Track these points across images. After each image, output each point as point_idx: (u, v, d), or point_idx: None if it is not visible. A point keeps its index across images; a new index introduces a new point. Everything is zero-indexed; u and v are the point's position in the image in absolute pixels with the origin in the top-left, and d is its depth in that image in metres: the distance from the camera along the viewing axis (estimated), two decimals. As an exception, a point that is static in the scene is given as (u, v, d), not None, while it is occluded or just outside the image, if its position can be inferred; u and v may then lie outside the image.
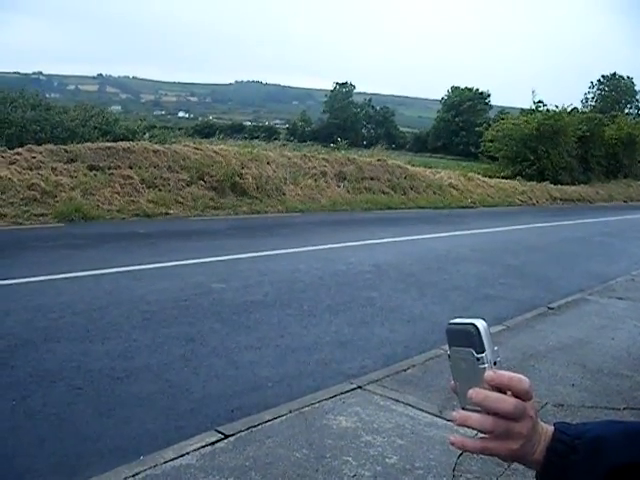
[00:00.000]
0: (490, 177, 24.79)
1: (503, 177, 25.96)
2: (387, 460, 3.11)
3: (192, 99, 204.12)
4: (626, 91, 65.75)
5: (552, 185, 25.65)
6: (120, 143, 13.36)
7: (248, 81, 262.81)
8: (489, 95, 77.05)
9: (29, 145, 12.26)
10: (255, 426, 3.38)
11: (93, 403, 3.72)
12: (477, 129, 41.07)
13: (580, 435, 0.80)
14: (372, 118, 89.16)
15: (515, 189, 23.19)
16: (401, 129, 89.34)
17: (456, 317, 0.82)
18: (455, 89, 78.63)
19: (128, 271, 7.01)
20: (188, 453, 3.05)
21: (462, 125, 71.23)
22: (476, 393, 0.76)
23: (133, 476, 2.81)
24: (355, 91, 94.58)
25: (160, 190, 12.58)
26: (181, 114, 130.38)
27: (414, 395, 3.97)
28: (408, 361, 4.66)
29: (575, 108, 34.38)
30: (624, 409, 3.94)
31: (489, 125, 32.48)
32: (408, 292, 7.10)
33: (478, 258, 9.71)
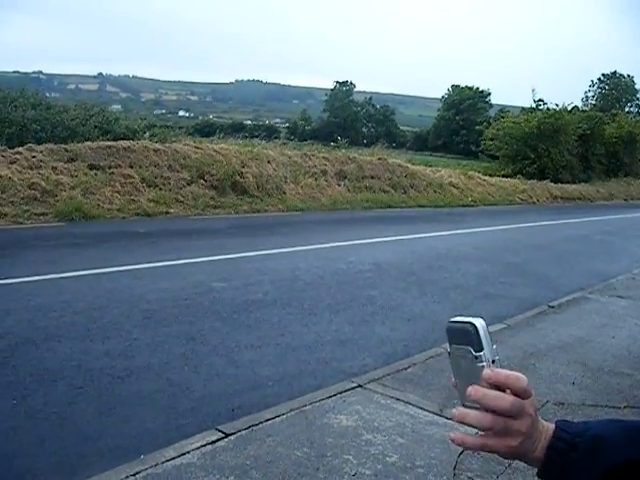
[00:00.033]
0: (490, 176, 24.78)
1: (503, 176, 25.95)
2: (388, 459, 3.12)
3: (192, 98, 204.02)
4: (626, 89, 65.64)
5: (552, 184, 25.63)
6: (120, 142, 13.36)
7: (248, 80, 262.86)
8: (489, 94, 77.07)
9: (29, 144, 12.26)
10: (256, 425, 3.38)
11: (94, 402, 3.72)
12: (477, 128, 41.01)
13: (581, 433, 0.80)
14: (372, 117, 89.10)
15: (515, 188, 23.17)
16: (401, 128, 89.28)
17: (456, 315, 0.83)
18: (455, 88, 78.60)
19: (128, 270, 7.02)
20: (189, 452, 3.05)
21: (462, 124, 71.18)
22: (474, 391, 0.77)
23: (134, 475, 2.81)
24: (355, 90, 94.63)
25: (160, 189, 12.58)
26: (181, 113, 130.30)
27: (415, 394, 3.97)
28: (408, 360, 4.66)
29: (575, 106, 34.36)
30: (624, 407, 3.94)
31: (489, 124, 32.46)
32: (408, 291, 7.10)
33: (479, 256, 9.71)
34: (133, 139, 14.22)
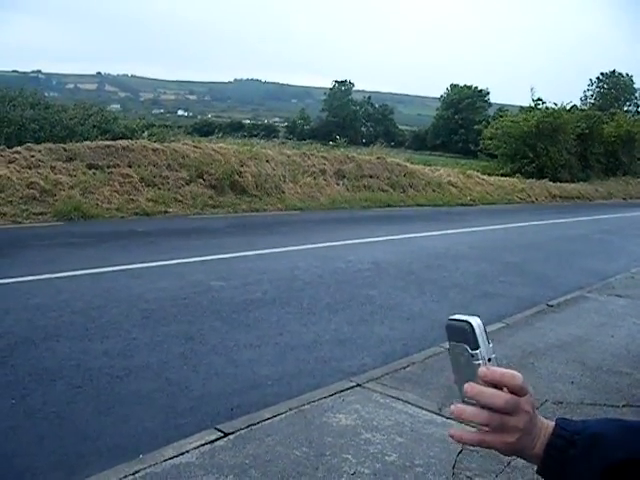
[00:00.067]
0: (489, 175, 24.76)
1: (502, 175, 25.93)
2: (387, 458, 3.12)
3: (191, 97, 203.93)
4: (625, 89, 65.65)
5: (551, 183, 25.62)
6: (119, 142, 13.35)
7: (247, 79, 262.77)
8: (488, 93, 77.09)
9: (28, 144, 12.24)
10: (255, 424, 3.38)
11: (93, 401, 3.72)
12: (476, 127, 41.00)
13: (580, 431, 0.81)
14: (371, 116, 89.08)
15: (514, 187, 23.17)
16: (400, 127, 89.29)
17: (455, 314, 0.84)
18: (454, 87, 78.61)
19: (127, 269, 7.01)
20: (188, 451, 3.05)
21: (461, 123, 71.23)
22: (470, 388, 0.79)
23: (133, 474, 2.81)
24: (354, 89, 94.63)
25: (159, 188, 12.57)
26: (180, 112, 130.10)
27: (413, 393, 3.97)
28: (407, 359, 4.67)
29: (574, 105, 34.31)
30: (623, 406, 3.95)
31: (488, 123, 32.45)
32: (407, 290, 7.10)
33: (477, 256, 9.71)
34: (132, 138, 14.20)
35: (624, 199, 28.73)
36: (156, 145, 13.80)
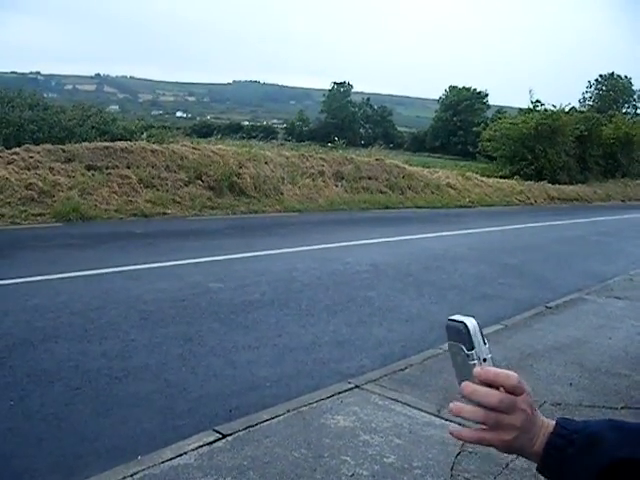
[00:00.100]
0: (488, 177, 24.78)
1: (501, 177, 25.95)
2: (385, 459, 3.12)
3: (190, 99, 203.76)
4: (624, 91, 65.74)
5: (550, 185, 25.64)
6: (118, 143, 13.34)
7: (246, 81, 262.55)
8: (487, 95, 77.12)
9: (27, 145, 12.23)
10: (253, 426, 3.38)
11: (91, 403, 3.72)
12: (475, 129, 41.17)
13: (579, 430, 0.83)
14: (370, 118, 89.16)
15: (513, 189, 23.19)
16: (399, 129, 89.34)
17: (455, 314, 0.86)
18: (453, 89, 78.69)
19: (126, 271, 7.01)
20: (186, 453, 3.05)
21: (460, 125, 71.26)
22: (466, 387, 0.82)
23: (131, 476, 2.81)
24: (353, 90, 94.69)
25: (158, 190, 12.57)
26: (179, 114, 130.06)
27: (412, 394, 3.97)
28: (406, 360, 4.67)
29: (573, 107, 34.41)
30: (622, 408, 3.95)
31: (487, 125, 32.50)
32: (406, 292, 7.10)
33: (476, 257, 9.72)
34: (130, 140, 14.20)
35: (622, 201, 28.77)
36: (155, 146, 13.80)
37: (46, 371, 4.10)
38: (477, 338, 0.82)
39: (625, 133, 32.80)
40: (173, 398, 3.87)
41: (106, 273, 6.84)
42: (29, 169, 11.48)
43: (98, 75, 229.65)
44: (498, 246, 11.33)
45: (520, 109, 32.82)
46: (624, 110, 60.51)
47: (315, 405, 3.71)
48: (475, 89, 77.11)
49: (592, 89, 67.18)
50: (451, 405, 0.84)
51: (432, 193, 19.08)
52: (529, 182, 24.97)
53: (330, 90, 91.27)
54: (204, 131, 44.11)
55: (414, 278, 7.82)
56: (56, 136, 13.26)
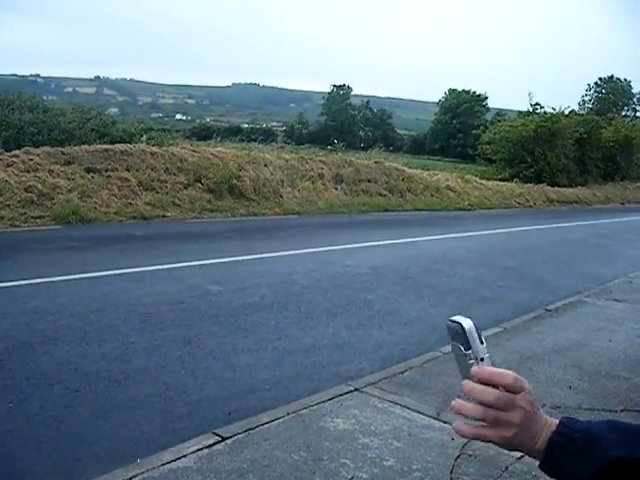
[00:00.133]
0: (487, 179, 24.80)
1: (500, 179, 25.96)
2: (384, 462, 3.12)
3: (189, 101, 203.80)
4: (623, 93, 65.85)
5: (549, 187, 25.65)
6: (117, 145, 13.34)
7: (245, 83, 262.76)
8: (486, 97, 77.20)
9: (26, 147, 12.23)
10: (252, 428, 3.38)
11: (90, 406, 3.72)
12: (474, 131, 41.10)
13: (581, 430, 0.85)
14: (369, 120, 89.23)
15: (512, 191, 23.20)
16: (398, 131, 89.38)
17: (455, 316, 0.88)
18: (452, 91, 78.77)
19: (125, 273, 7.01)
20: (185, 456, 3.05)
21: (459, 127, 71.32)
22: (465, 385, 0.85)
23: (130, 479, 2.81)
24: (352, 93, 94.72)
25: (157, 192, 12.57)
26: (178, 116, 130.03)
27: (411, 397, 3.97)
28: (405, 363, 4.67)
29: (572, 110, 34.37)
30: (621, 411, 3.95)
31: (486, 127, 32.54)
32: (405, 294, 7.10)
33: (475, 260, 9.72)
34: (130, 142, 14.21)
35: (622, 204, 28.78)
36: (154, 149, 13.80)
37: (45, 374, 4.09)
38: (473, 338, 0.84)
39: (624, 136, 32.83)
40: (172, 401, 3.87)
41: (106, 276, 6.84)
42: (29, 172, 11.48)
43: (98, 78, 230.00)
44: (497, 249, 11.34)
45: (520, 112, 32.87)
46: (623, 113, 60.64)
47: (314, 408, 3.71)
48: (475, 92, 77.23)
49: (592, 92, 67.34)
50: (453, 402, 0.87)
51: (431, 196, 19.08)
52: (529, 185, 24.99)
53: (329, 93, 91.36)
54: (204, 134, 44.22)
55: (414, 281, 7.82)
56: (56, 139, 13.28)
